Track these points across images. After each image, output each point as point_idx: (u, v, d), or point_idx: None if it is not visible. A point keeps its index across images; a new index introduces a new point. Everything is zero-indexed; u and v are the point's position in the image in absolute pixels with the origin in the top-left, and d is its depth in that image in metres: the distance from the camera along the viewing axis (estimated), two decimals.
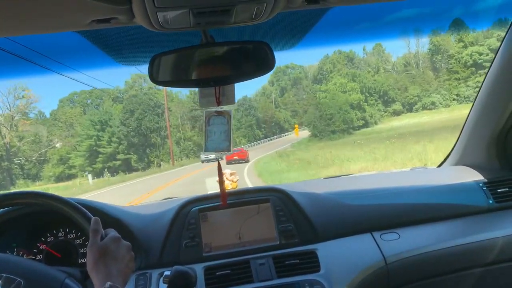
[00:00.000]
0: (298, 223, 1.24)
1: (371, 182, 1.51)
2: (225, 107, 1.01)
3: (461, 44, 39.90)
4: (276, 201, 1.27)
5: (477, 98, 1.44)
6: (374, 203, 1.32)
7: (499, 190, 1.36)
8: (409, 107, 42.85)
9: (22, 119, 36.68)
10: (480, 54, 38.23)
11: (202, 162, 25.06)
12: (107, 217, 1.17)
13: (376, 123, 40.42)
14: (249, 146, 32.01)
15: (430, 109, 40.43)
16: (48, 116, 42.67)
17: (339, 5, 0.86)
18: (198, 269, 1.11)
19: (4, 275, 0.76)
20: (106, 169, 33.07)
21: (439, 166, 1.74)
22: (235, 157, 18.99)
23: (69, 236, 1.23)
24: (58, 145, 38.33)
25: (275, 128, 47.52)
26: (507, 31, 1.25)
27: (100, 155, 35.47)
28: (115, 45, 1.07)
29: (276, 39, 1.14)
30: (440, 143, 13.12)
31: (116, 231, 0.86)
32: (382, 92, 43.32)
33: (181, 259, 1.17)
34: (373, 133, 32.28)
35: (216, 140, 1.01)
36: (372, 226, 1.27)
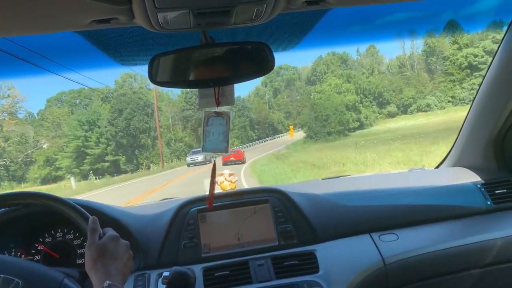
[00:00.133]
0: (297, 224, 1.26)
1: (370, 183, 1.54)
2: (224, 108, 1.03)
3: (456, 46, 40.58)
4: (275, 202, 1.29)
5: (475, 100, 1.47)
6: (373, 204, 1.35)
7: (497, 191, 1.40)
8: (404, 109, 43.34)
9: (7, 119, 35.99)
10: (475, 56, 38.92)
11: (188, 165, 24.25)
12: (106, 217, 1.18)
13: (371, 124, 40.75)
14: (242, 148, 31.80)
15: (425, 111, 40.95)
16: (36, 116, 42.10)
17: (339, 7, 0.88)
18: (197, 270, 1.13)
19: (2, 275, 0.76)
20: (91, 172, 32.59)
21: (437, 167, 1.78)
22: (232, 158, 18.85)
23: (67, 237, 1.24)
24: (45, 146, 37.74)
25: (268, 129, 47.61)
26: (505, 34, 1.29)
27: (87, 157, 35.00)
28: (114, 46, 1.08)
29: (275, 40, 1.16)
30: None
31: (114, 230, 0.88)
32: (377, 94, 43.77)
33: (180, 260, 1.19)
34: (370, 134, 32.27)
35: (214, 140, 1.03)
36: (370, 227, 1.30)
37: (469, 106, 1.56)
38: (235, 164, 18.39)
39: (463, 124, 1.57)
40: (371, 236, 1.28)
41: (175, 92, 45.55)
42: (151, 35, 0.88)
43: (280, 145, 32.84)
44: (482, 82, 1.43)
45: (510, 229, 1.30)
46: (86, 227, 0.87)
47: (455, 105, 38.98)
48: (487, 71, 1.40)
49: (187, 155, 28.56)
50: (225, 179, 1.36)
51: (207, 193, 1.33)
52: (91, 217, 0.86)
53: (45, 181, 33.99)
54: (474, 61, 38.92)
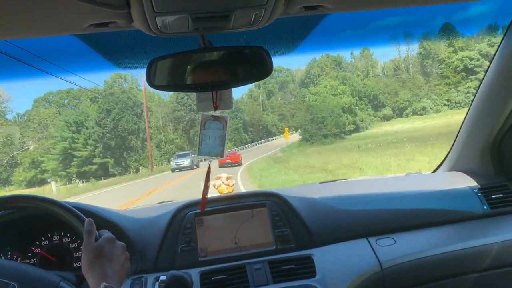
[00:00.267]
0: (294, 228, 1.28)
1: (367, 187, 1.57)
2: (221, 113, 1.05)
3: (451, 49, 41.26)
4: (272, 205, 1.31)
5: (472, 105, 1.51)
6: (370, 208, 1.38)
7: (493, 196, 1.43)
8: (399, 112, 43.83)
9: None
10: (471, 59, 39.58)
11: (173, 171, 22.43)
12: (102, 220, 1.19)
13: (366, 127, 41.06)
14: (235, 151, 31.65)
15: (421, 114, 41.45)
16: (23, 116, 41.44)
17: (337, 12, 0.91)
18: (194, 274, 1.14)
19: None
20: (75, 175, 32.07)
21: (434, 171, 1.82)
22: (228, 160, 18.70)
23: (64, 240, 1.25)
24: (31, 147, 37.16)
25: (262, 132, 47.67)
26: (502, 39, 1.32)
27: (75, 159, 34.56)
28: (112, 49, 1.10)
29: (274, 44, 1.19)
30: None
31: (110, 232, 0.89)
32: (372, 96, 44.20)
33: (177, 264, 1.20)
34: (367, 137, 32.21)
35: (211, 144, 1.05)
36: (367, 231, 1.33)
37: (464, 109, 1.60)
38: (231, 166, 18.31)
39: (460, 129, 1.61)
40: (368, 241, 1.30)
41: (167, 92, 45.21)
42: (149, 39, 0.90)
43: (275, 148, 32.69)
44: (479, 87, 1.47)
45: (507, 233, 1.33)
46: (82, 230, 0.88)
47: (450, 109, 39.53)
48: (484, 76, 1.44)
49: (172, 158, 26.66)
50: (223, 182, 1.38)
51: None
52: (87, 219, 0.88)
53: (30, 184, 33.47)
54: (470, 64, 39.57)
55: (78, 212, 0.97)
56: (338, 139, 35.27)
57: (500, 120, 1.42)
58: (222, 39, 1.01)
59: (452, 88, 40.73)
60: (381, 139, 26.93)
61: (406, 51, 48.44)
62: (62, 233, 1.25)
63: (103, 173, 33.23)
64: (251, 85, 55.03)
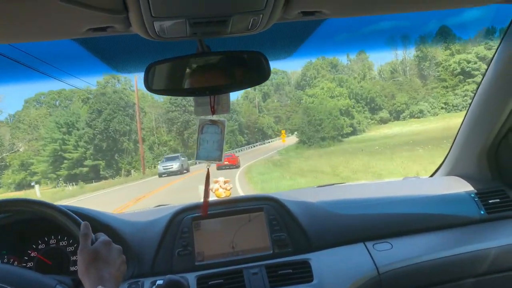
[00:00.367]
0: (292, 233, 1.30)
1: (364, 191, 1.60)
2: (219, 117, 1.07)
3: (448, 51, 41.72)
4: (269, 210, 1.33)
5: (469, 109, 1.54)
6: (367, 213, 1.40)
7: (490, 201, 1.46)
8: (396, 115, 44.15)
9: None
10: (468, 62, 40.04)
11: (160, 176, 20.82)
12: (98, 223, 1.21)
13: (363, 130, 41.25)
14: (233, 153, 31.31)
15: (418, 117, 41.76)
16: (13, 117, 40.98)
17: (334, 17, 0.94)
18: (191, 278, 1.16)
19: None
20: (61, 178, 31.62)
21: (432, 176, 1.85)
22: (226, 163, 18.55)
23: (60, 244, 1.26)
24: (21, 149, 36.76)
25: (258, 134, 47.70)
26: (499, 45, 1.35)
27: (65, 161, 34.22)
28: (110, 53, 1.11)
29: (271, 49, 1.21)
30: None
31: (107, 236, 0.90)
32: (369, 99, 44.49)
33: (174, 268, 1.21)
34: (366, 140, 31.98)
35: (209, 148, 1.07)
36: (365, 236, 1.35)
37: (462, 112, 1.62)
38: (229, 168, 18.25)
39: (457, 133, 1.64)
40: (365, 245, 1.32)
41: None
42: (147, 43, 0.91)
43: (271, 151, 32.55)
44: (476, 91, 1.50)
45: (503, 238, 1.36)
46: (78, 233, 0.89)
47: (448, 112, 39.87)
48: (481, 81, 1.46)
49: (159, 162, 24.68)
50: (220, 186, 1.40)
51: (202, 200, 1.36)
52: (83, 223, 0.89)
53: (20, 186, 33.08)
54: (467, 67, 40.01)
55: (74, 215, 0.99)
56: (336, 142, 35.11)
57: (497, 125, 1.44)
58: (220, 43, 1.03)
59: (449, 91, 41.13)
60: (381, 142, 26.53)
61: (403, 54, 48.93)
62: (59, 237, 1.26)
63: (94, 175, 32.92)
64: None
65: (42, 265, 1.22)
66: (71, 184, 28.24)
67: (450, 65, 41.20)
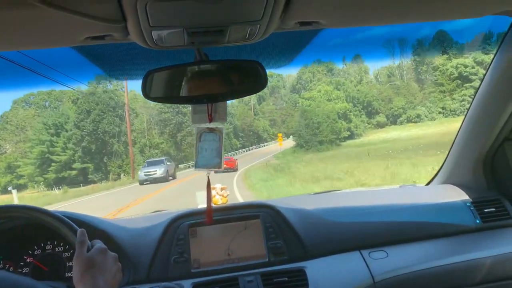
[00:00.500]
0: (288, 240, 1.33)
1: (361, 199, 1.63)
2: (217, 124, 1.09)
3: (446, 55, 42.23)
4: (266, 217, 1.36)
5: (465, 118, 1.58)
6: (363, 221, 1.43)
7: (485, 210, 1.49)
8: (393, 120, 44.50)
9: None
10: (466, 66, 40.60)
11: (141, 183, 18.89)
12: (94, 230, 1.23)
13: (361, 134, 41.43)
14: (231, 156, 31.01)
15: (415, 122, 42.14)
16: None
17: (331, 27, 0.97)
18: (187, 285, 1.18)
19: None
20: (41, 183, 30.96)
21: (428, 184, 1.88)
22: (224, 166, 18.61)
23: (56, 249, 1.27)
24: (9, 151, 36.22)
25: (253, 138, 47.71)
26: (496, 53, 1.38)
27: (53, 164, 33.81)
28: (108, 60, 1.14)
29: (270, 58, 1.24)
30: None
31: (103, 243, 0.92)
32: (366, 103, 44.81)
33: (170, 275, 1.24)
34: (365, 145, 31.85)
35: (207, 156, 1.09)
36: (361, 244, 1.37)
37: (459, 117, 1.65)
38: (227, 172, 18.18)
39: (453, 142, 1.68)
40: (361, 253, 1.35)
41: None
42: (145, 50, 0.94)
43: (267, 155, 32.37)
44: (472, 101, 1.54)
45: (499, 248, 1.39)
46: (74, 240, 0.91)
47: (445, 116, 40.28)
48: (477, 90, 1.50)
49: (141, 167, 22.24)
50: (217, 193, 1.42)
51: (199, 206, 1.39)
52: (79, 230, 0.91)
53: (6, 190, 32.54)
54: (465, 71, 40.53)
55: (70, 222, 1.01)
56: (334, 146, 35.02)
57: (493, 134, 1.48)
58: (218, 51, 1.05)
59: (447, 96, 41.60)
60: (382, 146, 26.26)
61: (400, 58, 49.41)
62: (55, 243, 1.28)
63: (82, 179, 32.54)
64: None
65: (38, 271, 1.23)
66: (57, 188, 27.79)
67: (448, 70, 41.69)
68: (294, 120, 41.27)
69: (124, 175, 31.20)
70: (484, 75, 1.45)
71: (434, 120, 40.87)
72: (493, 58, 1.39)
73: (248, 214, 1.36)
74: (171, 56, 1.02)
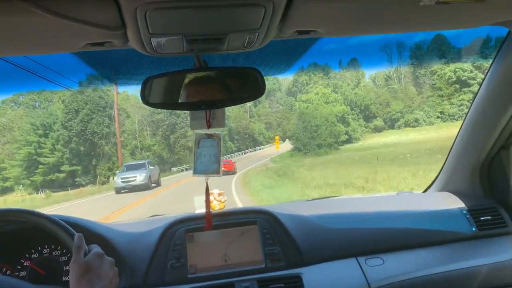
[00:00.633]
0: (285, 247, 1.36)
1: (358, 205, 1.66)
2: (215, 130, 1.12)
3: (444, 60, 42.65)
4: (263, 223, 1.39)
5: (462, 126, 1.62)
6: (360, 227, 1.46)
7: (482, 218, 1.53)
8: (391, 124, 44.80)
9: None
10: (464, 70, 41.08)
11: (118, 191, 16.69)
12: (91, 234, 1.25)
13: (358, 138, 41.56)
14: (230, 159, 30.51)
15: (413, 126, 42.45)
16: None
17: (328, 36, 1.01)
18: None
19: None
20: (26, 185, 30.35)
21: (425, 191, 1.92)
22: (222, 169, 18.48)
23: (54, 253, 1.29)
24: None
25: (248, 141, 47.70)
26: (492, 62, 1.42)
27: (40, 166, 33.40)
28: (107, 66, 1.16)
29: (268, 65, 1.28)
30: None
31: (100, 247, 0.94)
32: (364, 107, 45.07)
33: (166, 280, 1.26)
34: (367, 149, 31.74)
35: (206, 162, 1.12)
36: (357, 250, 1.41)
37: (458, 122, 1.68)
38: (225, 174, 18.02)
39: (450, 149, 1.72)
40: (357, 260, 1.38)
41: None
42: (144, 56, 0.96)
43: (264, 158, 32.22)
44: (469, 109, 1.58)
45: (494, 256, 1.43)
46: (72, 244, 0.93)
47: (444, 121, 40.65)
48: (474, 98, 1.54)
49: (118, 172, 19.38)
50: (215, 198, 1.45)
51: (197, 211, 1.41)
52: (76, 234, 0.93)
53: None
54: (463, 76, 41.00)
55: (68, 226, 1.03)
56: (333, 149, 34.86)
57: (489, 143, 1.52)
58: (217, 58, 1.08)
59: (445, 100, 42.00)
60: (384, 151, 25.82)
61: (398, 61, 49.77)
62: (52, 246, 1.30)
63: (71, 182, 32.13)
64: None
65: (35, 275, 1.25)
66: (43, 191, 27.32)
67: (446, 74, 42.12)
68: (291, 123, 41.23)
69: (113, 178, 30.53)
70: (481, 83, 1.49)
71: (432, 124, 41.21)
72: (489, 67, 1.44)
73: (246, 220, 1.39)
74: (170, 62, 1.05)
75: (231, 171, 19.80)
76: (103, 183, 28.64)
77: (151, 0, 0.66)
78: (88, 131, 33.64)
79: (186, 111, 1.11)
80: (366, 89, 49.57)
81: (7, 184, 32.98)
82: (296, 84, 51.75)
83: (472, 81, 39.71)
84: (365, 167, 16.66)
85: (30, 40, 0.81)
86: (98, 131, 33.90)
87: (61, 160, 33.75)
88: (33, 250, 1.28)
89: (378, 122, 45.11)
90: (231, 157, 37.37)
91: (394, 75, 50.65)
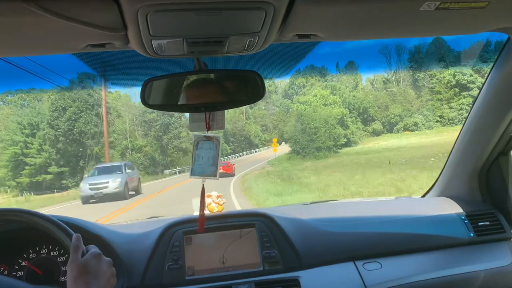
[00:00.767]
0: (283, 250, 1.39)
1: (356, 209, 1.70)
2: (214, 133, 1.15)
3: (443, 63, 43.04)
4: (261, 226, 1.42)
5: (461, 131, 1.66)
6: (358, 231, 1.50)
7: (480, 224, 1.57)
8: (390, 127, 45.02)
9: None
10: (464, 74, 41.44)
11: (85, 201, 13.76)
12: (89, 235, 1.27)
13: (357, 142, 41.64)
14: (228, 161, 30.22)
15: (412, 130, 42.69)
16: None
17: (328, 40, 1.04)
18: None
19: None
20: (6, 188, 29.71)
21: (423, 196, 1.96)
22: (221, 171, 18.28)
23: (51, 253, 1.31)
24: None
25: (244, 143, 47.65)
26: (492, 67, 1.46)
27: (27, 167, 33.00)
28: (108, 67, 1.18)
29: (268, 68, 1.31)
30: None
31: (98, 248, 0.96)
32: (362, 110, 45.26)
33: (164, 282, 1.29)
34: (368, 152, 31.29)
35: (204, 164, 1.14)
36: (355, 254, 1.44)
37: (457, 126, 1.72)
38: (224, 177, 18.17)
39: (449, 155, 1.76)
40: (355, 264, 1.42)
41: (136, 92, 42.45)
42: (145, 58, 0.99)
43: (261, 161, 31.99)
44: (468, 115, 1.62)
45: (492, 261, 1.47)
46: (69, 244, 0.95)
47: (443, 125, 40.92)
48: (473, 104, 1.58)
49: (86, 177, 16.43)
50: (213, 200, 1.47)
51: (195, 213, 1.43)
52: (74, 235, 0.95)
53: None
54: (463, 79, 41.36)
55: (66, 226, 1.05)
56: (332, 152, 34.49)
57: (488, 149, 1.57)
58: (217, 60, 1.11)
59: (444, 104, 42.33)
60: (388, 154, 24.93)
61: (397, 64, 50.08)
62: (50, 246, 1.32)
63: (59, 184, 31.71)
64: None
65: (33, 275, 1.27)
66: (29, 193, 26.91)
67: (445, 77, 42.45)
68: (288, 125, 41.13)
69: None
70: (480, 89, 1.54)
71: (432, 128, 41.48)
72: (488, 73, 1.48)
73: (244, 223, 1.42)
74: (170, 64, 1.07)
75: (229, 173, 19.81)
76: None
77: (153, 3, 0.69)
78: (76, 131, 32.73)
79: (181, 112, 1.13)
80: (365, 92, 49.81)
81: None
82: (293, 86, 51.88)
83: (471, 85, 40.04)
84: (379, 172, 15.37)
85: (31, 41, 0.83)
86: (86, 130, 33.04)
87: (48, 161, 33.29)
88: (31, 250, 1.30)
89: (377, 125, 45.30)
90: (227, 159, 37.21)
91: (393, 78, 50.97)
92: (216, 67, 1.08)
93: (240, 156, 42.90)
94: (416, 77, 47.70)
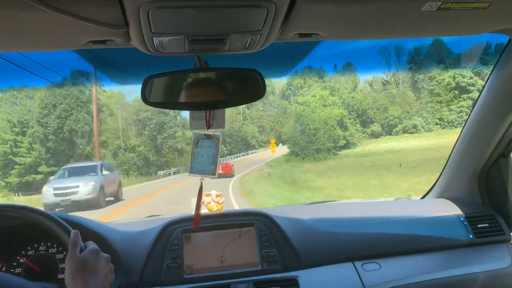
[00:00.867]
0: (281, 249, 1.41)
1: (355, 210, 1.73)
2: (214, 131, 1.16)
3: (442, 65, 43.28)
4: (260, 225, 1.44)
5: (461, 133, 1.69)
6: (357, 232, 1.52)
7: (479, 225, 1.60)
8: (389, 130, 45.15)
9: None
10: (464, 76, 41.71)
11: (54, 209, 10.96)
12: (88, 231, 1.29)
13: (356, 144, 41.71)
14: (228, 162, 29.96)
15: (412, 132, 42.86)
16: None
17: (330, 40, 1.06)
18: None
19: None
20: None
21: (423, 197, 2.00)
22: (220, 171, 17.99)
23: (50, 251, 1.32)
24: None
25: (241, 144, 47.61)
26: (492, 70, 1.48)
27: (16, 166, 32.73)
28: (107, 63, 1.20)
29: (269, 67, 1.32)
30: None
31: (96, 244, 0.98)
32: (361, 111, 45.38)
33: (162, 280, 1.31)
34: (369, 155, 31.27)
35: (203, 163, 1.16)
36: (354, 255, 1.46)
37: (457, 129, 1.75)
38: (224, 177, 18.24)
39: (449, 156, 1.79)
40: (354, 265, 1.44)
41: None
42: (146, 55, 1.00)
43: (259, 162, 31.90)
44: (468, 117, 1.65)
45: (491, 263, 1.50)
46: (68, 240, 0.97)
47: (443, 128, 41.13)
48: (473, 106, 1.61)
49: (51, 179, 13.67)
50: (212, 199, 1.49)
51: (194, 212, 1.45)
52: (73, 231, 0.97)
53: None
54: (463, 82, 41.62)
55: (64, 222, 1.06)
56: (332, 154, 34.41)
57: (488, 150, 1.60)
58: (218, 59, 1.13)
59: (444, 107, 42.55)
60: (389, 157, 24.95)
61: (396, 65, 50.25)
62: (49, 243, 1.33)
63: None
64: None
65: (31, 272, 1.28)
66: (16, 194, 26.63)
67: (444, 79, 42.70)
68: (286, 126, 41.09)
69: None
70: (481, 91, 1.57)
71: (431, 131, 41.68)
72: (489, 75, 1.50)
73: (243, 222, 1.44)
74: (171, 62, 1.09)
75: (229, 174, 19.84)
76: None
77: None
78: (66, 129, 32.06)
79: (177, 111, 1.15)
80: (363, 93, 49.96)
81: None
82: (290, 87, 51.96)
83: (471, 88, 40.26)
84: (392, 176, 14.38)
85: (31, 36, 0.84)
86: (77, 128, 32.39)
87: (38, 160, 32.99)
88: (29, 247, 1.31)
89: (376, 127, 45.39)
90: (225, 160, 36.99)
91: (392, 79, 51.17)
92: (217, 65, 1.10)
93: (237, 157, 42.82)
94: (416, 79, 47.92)
